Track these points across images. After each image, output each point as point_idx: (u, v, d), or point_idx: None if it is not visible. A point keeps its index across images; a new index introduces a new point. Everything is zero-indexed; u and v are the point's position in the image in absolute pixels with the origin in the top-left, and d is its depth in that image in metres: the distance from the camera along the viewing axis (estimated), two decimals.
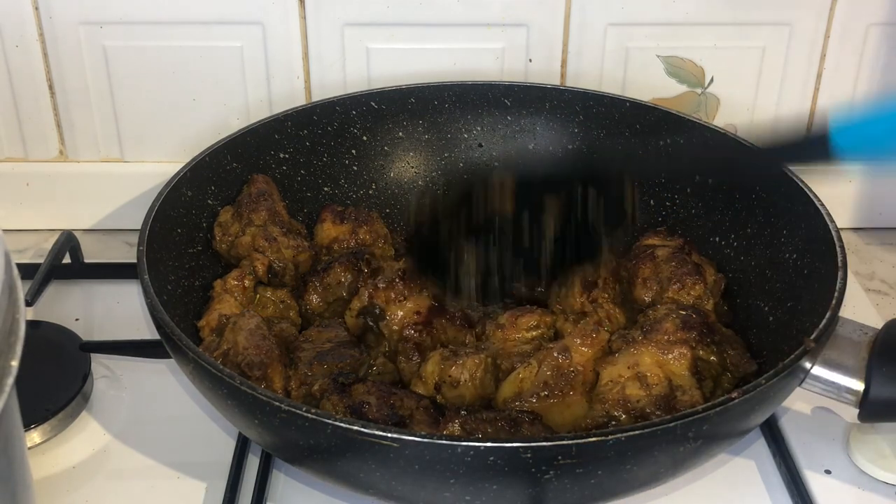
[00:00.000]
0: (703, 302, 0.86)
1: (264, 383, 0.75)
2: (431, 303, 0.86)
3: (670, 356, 0.78)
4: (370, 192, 1.04)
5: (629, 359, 0.78)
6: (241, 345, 0.78)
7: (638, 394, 0.75)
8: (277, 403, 0.64)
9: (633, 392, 0.75)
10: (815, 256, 0.82)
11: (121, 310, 0.99)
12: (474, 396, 0.79)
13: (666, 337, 0.79)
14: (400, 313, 0.85)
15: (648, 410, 0.74)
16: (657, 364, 0.77)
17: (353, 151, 1.03)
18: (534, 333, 0.85)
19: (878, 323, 0.77)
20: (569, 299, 0.89)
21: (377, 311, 0.85)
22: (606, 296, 0.89)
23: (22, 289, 0.48)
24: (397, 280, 0.86)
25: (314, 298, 0.89)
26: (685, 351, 0.78)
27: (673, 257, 0.89)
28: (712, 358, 0.79)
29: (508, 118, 1.05)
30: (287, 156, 0.99)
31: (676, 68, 1.07)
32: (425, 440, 0.61)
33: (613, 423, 0.74)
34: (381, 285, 0.86)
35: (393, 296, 0.86)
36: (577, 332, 0.80)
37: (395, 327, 0.85)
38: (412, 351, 0.83)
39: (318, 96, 1.06)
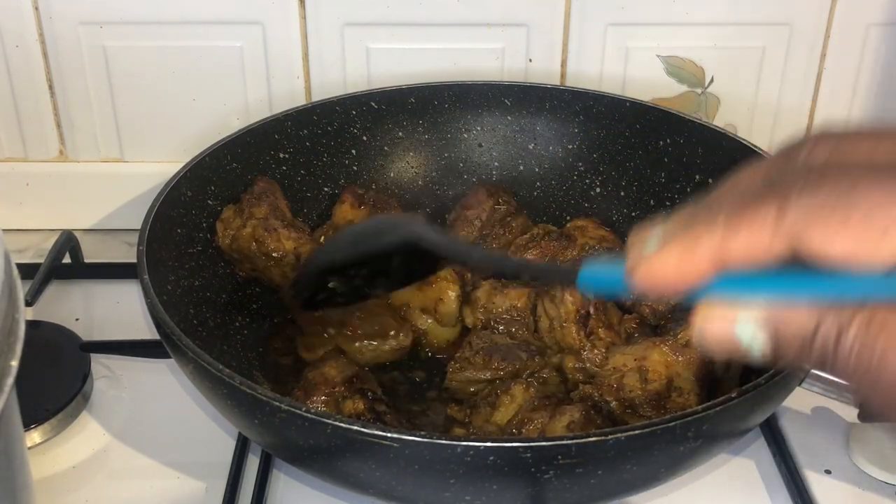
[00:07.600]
0: None
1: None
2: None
3: (681, 358, 0.78)
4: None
5: (639, 351, 0.79)
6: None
7: (633, 385, 0.76)
8: (277, 403, 0.64)
9: (629, 382, 0.76)
10: None
11: (121, 310, 0.99)
12: None
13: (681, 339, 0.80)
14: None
15: (637, 402, 0.75)
16: (664, 363, 0.78)
17: (353, 151, 1.03)
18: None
19: None
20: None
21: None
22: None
23: (22, 289, 0.48)
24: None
25: None
26: (696, 356, 0.78)
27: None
28: None
29: (508, 118, 1.05)
30: (287, 156, 0.99)
31: (676, 68, 1.07)
32: (425, 440, 0.61)
33: (602, 404, 0.76)
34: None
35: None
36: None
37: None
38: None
39: (318, 96, 1.06)
